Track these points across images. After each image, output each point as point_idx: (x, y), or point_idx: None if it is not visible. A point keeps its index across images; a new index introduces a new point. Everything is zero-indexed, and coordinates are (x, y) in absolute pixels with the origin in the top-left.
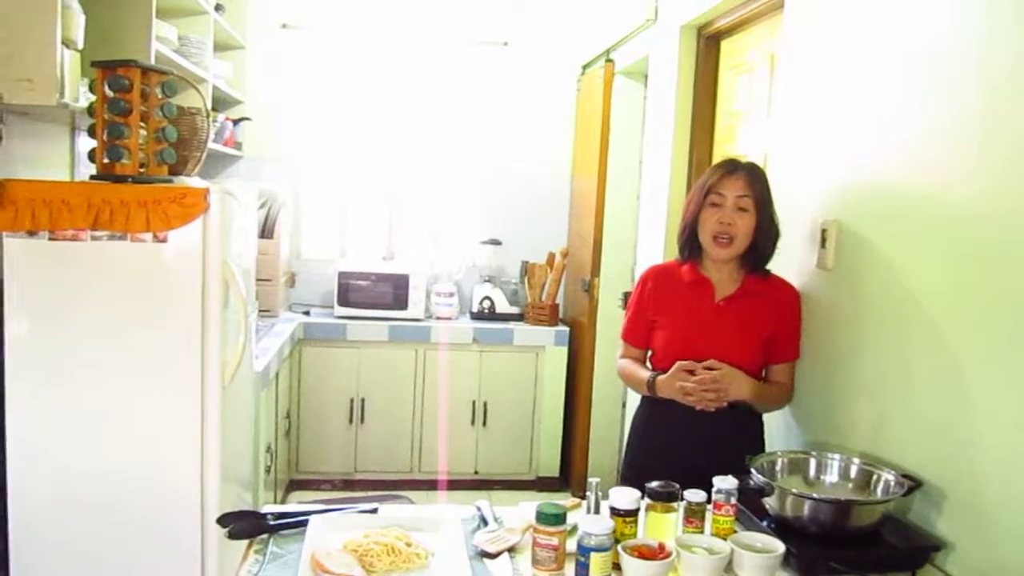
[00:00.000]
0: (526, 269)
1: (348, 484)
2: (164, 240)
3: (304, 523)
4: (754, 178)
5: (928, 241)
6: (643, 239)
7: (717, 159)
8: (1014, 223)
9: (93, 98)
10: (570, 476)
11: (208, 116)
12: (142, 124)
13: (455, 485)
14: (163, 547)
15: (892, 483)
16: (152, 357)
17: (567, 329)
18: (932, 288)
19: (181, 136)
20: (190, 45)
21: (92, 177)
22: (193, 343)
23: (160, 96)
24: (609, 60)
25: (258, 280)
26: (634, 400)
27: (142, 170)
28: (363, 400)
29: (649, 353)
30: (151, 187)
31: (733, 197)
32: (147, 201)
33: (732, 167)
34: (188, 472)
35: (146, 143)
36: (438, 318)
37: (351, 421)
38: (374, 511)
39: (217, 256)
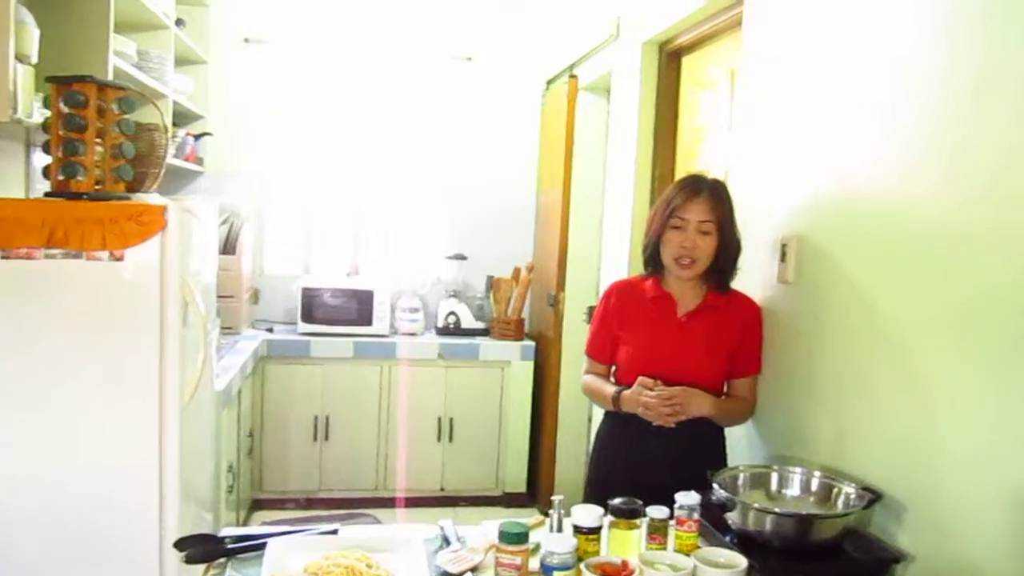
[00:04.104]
0: (492, 284)
1: (313, 503)
2: (121, 258)
3: (263, 546)
4: (717, 200)
5: (886, 254)
6: (607, 253)
7: (680, 174)
8: (968, 236)
9: (48, 114)
10: (537, 491)
11: (167, 132)
12: (98, 140)
13: (421, 502)
14: (121, 571)
15: (853, 496)
16: (109, 377)
17: (533, 344)
18: (891, 302)
19: (139, 152)
20: (150, 60)
21: (47, 194)
22: (151, 362)
23: (117, 112)
24: (573, 76)
25: (220, 297)
26: (599, 415)
27: (98, 187)
28: (327, 417)
29: (613, 368)
30: (108, 204)
31: (696, 221)
32: (103, 219)
33: (695, 189)
34: (146, 494)
35: (102, 160)
36: (403, 334)
37: (315, 439)
38: (334, 532)
39: (176, 274)
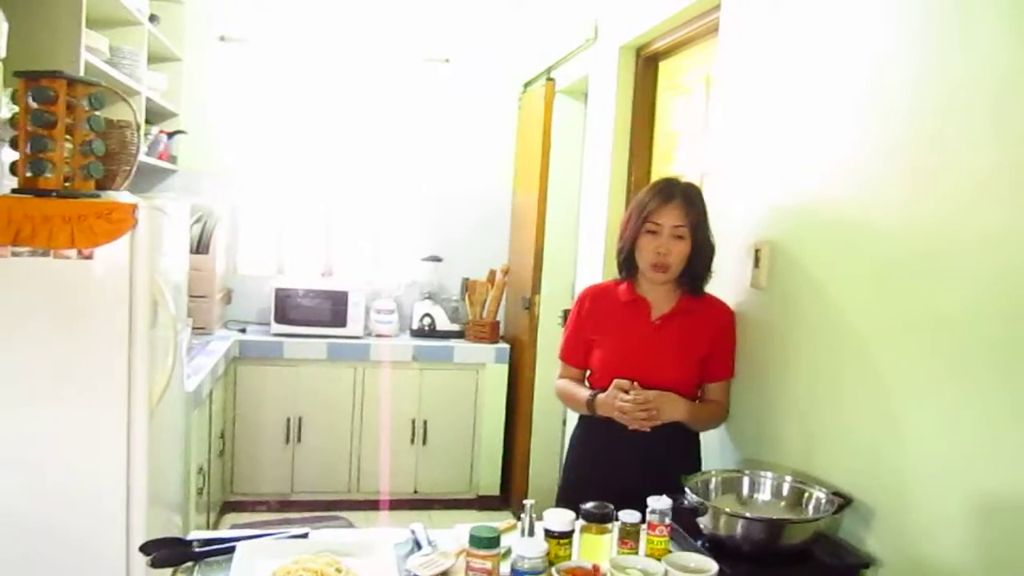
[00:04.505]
0: (467, 286)
1: (284, 505)
2: (90, 257)
3: (232, 550)
4: (690, 205)
5: (858, 263)
6: (582, 257)
7: (655, 179)
8: (939, 247)
9: (16, 109)
10: (511, 494)
11: (139, 129)
12: (68, 137)
13: (394, 505)
14: (86, 574)
15: (823, 501)
16: (76, 377)
17: (507, 347)
18: (862, 309)
19: (109, 150)
20: (123, 56)
21: (14, 191)
22: (119, 363)
23: (87, 108)
24: (550, 79)
25: (192, 297)
26: (574, 418)
27: (67, 184)
28: (300, 419)
29: (587, 373)
30: (76, 202)
31: (670, 227)
32: (72, 216)
33: (668, 194)
34: (113, 496)
35: (72, 156)
36: (378, 335)
37: (288, 441)
38: (304, 536)
39: (145, 273)
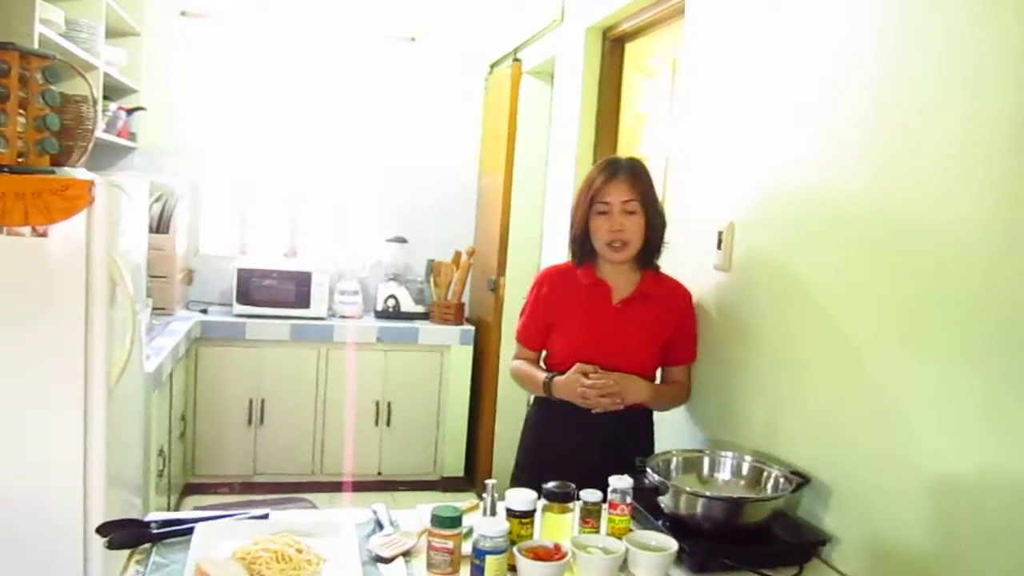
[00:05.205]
0: (432, 267)
1: (248, 487)
2: (45, 234)
3: (191, 531)
4: (636, 178)
5: (821, 246)
6: (548, 239)
7: None
8: (901, 232)
9: None
10: (475, 476)
11: (95, 104)
12: (21, 111)
13: (359, 487)
14: (44, 558)
15: (782, 480)
16: (32, 358)
17: (472, 328)
18: (823, 293)
19: (65, 125)
20: (79, 29)
21: None
22: (76, 343)
23: (41, 82)
24: (517, 59)
25: (153, 277)
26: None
27: (21, 160)
28: (263, 401)
29: (544, 354)
30: (31, 178)
31: (619, 203)
32: (25, 193)
33: (612, 171)
34: (71, 478)
35: (26, 131)
36: (342, 317)
37: (250, 422)
38: (265, 517)
39: (103, 251)
